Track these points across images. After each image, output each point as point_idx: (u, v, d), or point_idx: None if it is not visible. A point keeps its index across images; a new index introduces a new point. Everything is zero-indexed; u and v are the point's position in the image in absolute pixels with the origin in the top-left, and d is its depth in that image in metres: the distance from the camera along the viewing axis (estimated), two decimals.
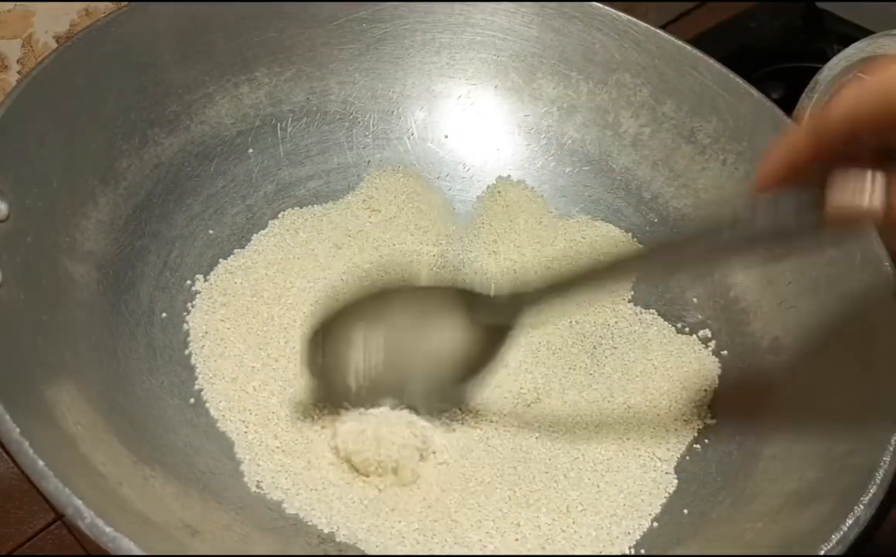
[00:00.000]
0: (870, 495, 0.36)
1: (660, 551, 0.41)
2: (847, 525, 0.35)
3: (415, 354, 0.44)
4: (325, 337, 0.43)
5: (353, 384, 0.44)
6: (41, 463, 0.31)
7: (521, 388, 0.48)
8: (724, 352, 0.50)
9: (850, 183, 0.31)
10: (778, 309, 0.49)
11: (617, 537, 0.42)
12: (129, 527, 0.31)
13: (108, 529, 0.30)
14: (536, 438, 0.45)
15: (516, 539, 0.41)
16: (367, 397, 0.44)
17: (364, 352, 0.43)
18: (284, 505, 0.41)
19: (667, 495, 0.44)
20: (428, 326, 0.44)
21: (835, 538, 0.35)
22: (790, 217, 0.33)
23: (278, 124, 0.56)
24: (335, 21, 0.57)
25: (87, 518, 0.31)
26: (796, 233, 0.34)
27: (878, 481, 0.37)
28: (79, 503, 0.31)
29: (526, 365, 0.49)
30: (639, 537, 0.42)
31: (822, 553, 0.34)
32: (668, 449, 0.46)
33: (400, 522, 0.41)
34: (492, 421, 0.46)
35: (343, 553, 0.39)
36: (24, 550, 0.48)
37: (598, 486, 0.44)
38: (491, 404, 0.46)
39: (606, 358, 0.50)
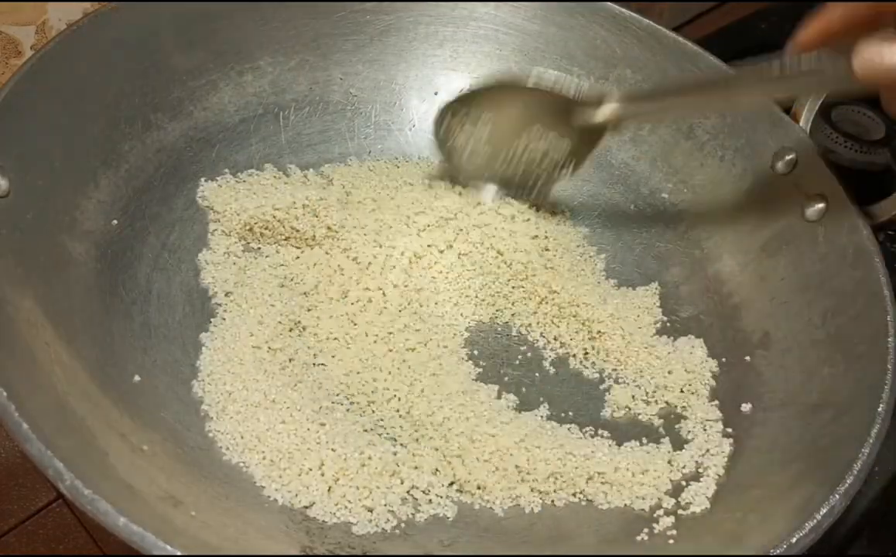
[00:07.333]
0: (846, 485, 0.36)
1: (641, 538, 0.41)
2: (821, 513, 0.35)
3: (515, 146, 0.53)
4: (451, 120, 0.53)
5: (465, 164, 0.54)
6: (25, 425, 0.32)
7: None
8: (716, 347, 0.50)
9: (875, 45, 0.37)
10: (770, 305, 0.49)
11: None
12: (109, 492, 0.32)
13: (86, 491, 0.31)
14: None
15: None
16: (474, 177, 0.54)
17: (475, 138, 0.53)
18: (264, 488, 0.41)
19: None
20: (529, 123, 0.52)
21: (808, 525, 0.35)
22: (828, 66, 0.40)
23: (281, 113, 0.57)
24: (340, 12, 0.58)
25: (67, 479, 0.31)
26: (832, 82, 0.41)
27: (855, 472, 0.37)
28: (60, 465, 0.32)
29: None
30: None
31: (793, 540, 0.34)
32: (657, 442, 0.46)
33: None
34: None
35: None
36: (26, 527, 0.49)
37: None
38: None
39: (598, 350, 0.50)
